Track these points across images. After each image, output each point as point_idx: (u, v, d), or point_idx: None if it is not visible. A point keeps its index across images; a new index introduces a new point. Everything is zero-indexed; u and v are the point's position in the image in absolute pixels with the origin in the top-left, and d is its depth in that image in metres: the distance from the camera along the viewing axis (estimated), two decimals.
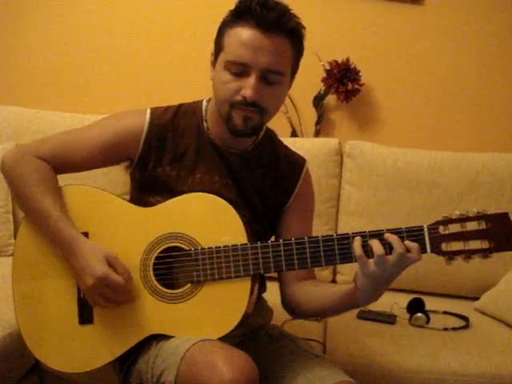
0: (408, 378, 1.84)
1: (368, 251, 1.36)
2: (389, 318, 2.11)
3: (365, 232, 1.39)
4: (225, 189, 1.56)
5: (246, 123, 1.48)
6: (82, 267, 1.44)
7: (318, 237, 1.42)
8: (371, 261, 1.35)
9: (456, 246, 1.37)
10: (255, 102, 1.45)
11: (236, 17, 1.45)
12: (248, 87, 1.44)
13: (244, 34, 1.43)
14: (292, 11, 1.46)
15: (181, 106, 1.63)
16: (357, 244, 1.37)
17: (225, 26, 1.48)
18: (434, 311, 2.19)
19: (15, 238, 1.61)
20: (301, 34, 1.49)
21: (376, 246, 1.35)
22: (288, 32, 1.45)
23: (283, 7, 1.45)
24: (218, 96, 1.50)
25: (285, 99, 1.58)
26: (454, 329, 2.07)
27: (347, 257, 1.41)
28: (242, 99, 1.45)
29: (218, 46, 1.50)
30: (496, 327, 2.14)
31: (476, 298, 2.32)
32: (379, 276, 1.36)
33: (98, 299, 1.45)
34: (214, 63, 1.53)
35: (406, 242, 1.35)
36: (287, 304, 1.63)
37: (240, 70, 1.44)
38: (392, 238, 1.36)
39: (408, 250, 1.35)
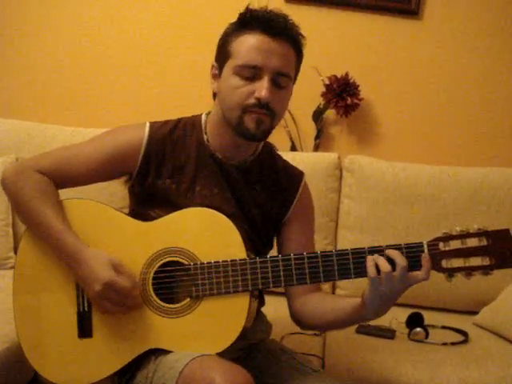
0: None
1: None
2: (388, 333, 2.11)
3: (363, 248, 1.40)
4: (224, 202, 1.56)
5: (258, 126, 1.49)
6: (88, 275, 1.45)
7: (317, 252, 1.43)
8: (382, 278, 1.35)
9: (456, 262, 1.36)
10: (269, 104, 1.47)
11: (241, 26, 1.49)
12: (262, 88, 1.46)
13: (253, 38, 1.46)
14: (290, 18, 1.51)
15: (180, 119, 1.64)
16: (370, 264, 1.36)
17: (228, 36, 1.51)
18: (433, 326, 2.19)
19: (15, 252, 1.61)
20: (302, 42, 1.53)
21: (381, 263, 1.35)
22: (292, 39, 1.49)
23: (286, 16, 1.49)
24: (229, 102, 1.50)
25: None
26: (453, 343, 2.07)
27: (346, 273, 1.41)
28: (256, 101, 1.47)
29: (223, 56, 1.51)
30: (495, 342, 2.13)
31: (475, 313, 2.32)
32: (387, 293, 1.36)
33: (106, 305, 1.45)
34: (217, 74, 1.55)
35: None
36: (295, 317, 1.64)
37: (252, 73, 1.46)
38: (393, 253, 1.36)
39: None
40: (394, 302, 1.40)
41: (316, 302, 1.58)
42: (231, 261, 1.44)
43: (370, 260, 1.37)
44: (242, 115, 1.48)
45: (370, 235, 2.41)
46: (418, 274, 1.35)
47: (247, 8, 1.50)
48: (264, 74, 1.46)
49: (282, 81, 1.49)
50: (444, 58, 2.71)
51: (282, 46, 1.47)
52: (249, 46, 1.46)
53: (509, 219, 2.32)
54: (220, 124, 1.57)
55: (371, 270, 1.35)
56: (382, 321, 2.14)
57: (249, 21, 1.48)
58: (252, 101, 1.47)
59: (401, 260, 1.34)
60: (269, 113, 1.49)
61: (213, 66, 1.56)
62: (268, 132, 1.53)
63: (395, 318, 2.19)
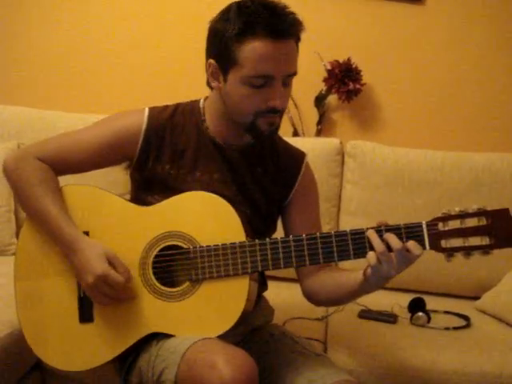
0: (409, 377, 1.83)
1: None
2: (390, 318, 2.11)
3: (362, 229, 1.40)
4: (224, 186, 1.56)
5: (270, 127, 1.50)
6: (83, 265, 1.45)
7: (315, 234, 1.42)
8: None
9: (455, 242, 1.36)
10: (282, 109, 1.48)
11: (244, 29, 1.41)
12: (277, 98, 1.45)
13: (261, 47, 1.41)
14: (291, 9, 1.46)
15: (178, 105, 1.63)
16: (377, 241, 1.37)
17: (230, 40, 1.43)
18: (435, 311, 2.19)
19: (17, 238, 1.62)
20: (300, 31, 1.49)
21: (377, 242, 1.36)
22: (296, 34, 1.47)
23: (288, 11, 1.45)
24: (240, 109, 1.49)
25: None
26: (455, 328, 2.07)
27: (345, 254, 1.41)
28: (270, 108, 1.46)
29: (227, 60, 1.45)
30: (497, 326, 2.13)
31: (477, 298, 2.32)
32: (386, 270, 1.36)
33: (99, 297, 1.46)
34: (217, 75, 1.50)
35: (405, 244, 1.36)
36: (306, 294, 1.66)
37: (263, 82, 1.43)
38: (390, 237, 1.36)
39: (408, 250, 1.35)
40: (393, 277, 1.41)
41: (323, 280, 1.60)
42: (231, 244, 1.44)
43: (373, 233, 1.38)
44: (254, 120, 1.48)
45: (372, 220, 2.35)
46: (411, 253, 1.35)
47: (247, 7, 1.43)
48: (275, 80, 1.44)
49: (290, 80, 1.49)
50: (447, 44, 2.69)
51: (288, 45, 1.44)
52: (257, 55, 1.41)
53: (510, 204, 2.31)
54: (220, 114, 1.56)
55: (379, 246, 1.36)
56: (384, 306, 2.17)
57: (252, 23, 1.41)
58: (264, 107, 1.46)
59: (395, 243, 1.35)
60: (280, 114, 1.50)
61: (210, 65, 1.50)
62: (278, 128, 1.54)
63: (397, 302, 2.20)
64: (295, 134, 2.71)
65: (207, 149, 1.58)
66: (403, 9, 2.68)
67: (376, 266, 1.36)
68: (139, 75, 2.81)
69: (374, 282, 1.41)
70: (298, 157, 1.70)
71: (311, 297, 1.64)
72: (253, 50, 1.41)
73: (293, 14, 1.45)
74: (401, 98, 2.73)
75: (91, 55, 2.81)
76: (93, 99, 2.81)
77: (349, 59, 2.63)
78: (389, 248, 1.35)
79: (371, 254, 1.36)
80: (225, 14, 1.46)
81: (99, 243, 1.49)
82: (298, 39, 1.48)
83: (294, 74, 1.48)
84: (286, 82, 1.47)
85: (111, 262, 1.45)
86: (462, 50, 2.69)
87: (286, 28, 1.42)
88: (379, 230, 1.39)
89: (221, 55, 1.47)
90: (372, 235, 1.38)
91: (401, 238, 1.36)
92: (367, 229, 1.40)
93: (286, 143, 1.71)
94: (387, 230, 1.38)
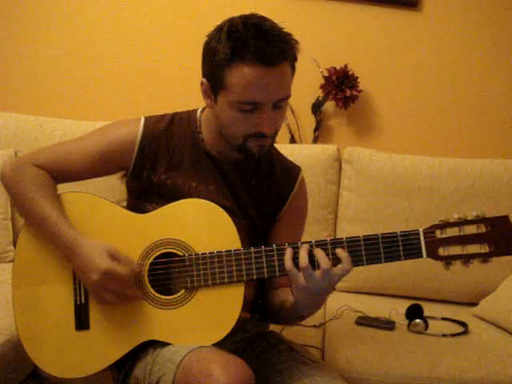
0: None
1: (313, 261, 1.37)
2: (387, 324, 2.11)
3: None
4: (221, 198, 1.56)
5: (261, 149, 1.48)
6: (86, 265, 1.45)
7: (311, 242, 1.41)
8: (300, 274, 1.36)
9: (454, 250, 1.34)
10: (274, 132, 1.47)
11: (232, 54, 1.37)
12: (265, 125, 1.42)
13: (249, 73, 1.37)
14: (285, 31, 1.42)
15: (175, 114, 1.63)
16: (287, 257, 1.38)
17: (220, 63, 1.39)
18: (433, 317, 2.19)
19: (14, 245, 1.62)
20: (297, 51, 1.45)
21: (301, 257, 1.36)
22: (289, 57, 1.42)
23: (279, 34, 1.40)
24: (229, 131, 1.47)
25: None
26: (452, 335, 2.07)
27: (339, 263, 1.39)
28: (259, 133, 1.44)
29: (216, 82, 1.43)
30: (495, 333, 2.13)
31: (474, 304, 2.32)
32: (310, 288, 1.37)
33: (106, 295, 1.45)
34: (208, 94, 1.48)
35: (338, 250, 1.36)
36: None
37: (251, 107, 1.41)
38: (318, 253, 1.36)
39: (340, 260, 1.36)
40: (324, 297, 1.44)
41: (272, 299, 1.60)
42: (226, 251, 1.44)
43: (288, 253, 1.38)
44: (244, 141, 1.47)
45: (369, 227, 2.41)
46: (339, 267, 1.36)
47: (237, 30, 1.38)
48: (265, 106, 1.41)
49: (282, 103, 1.45)
50: (443, 50, 2.70)
51: (279, 70, 1.39)
52: (245, 81, 1.37)
53: (508, 210, 2.31)
54: (215, 129, 1.55)
55: (287, 264, 1.37)
56: (382, 312, 2.17)
57: (241, 48, 1.36)
58: (254, 131, 1.44)
59: (323, 262, 1.35)
60: (272, 136, 1.48)
61: (202, 84, 1.48)
62: (271, 149, 1.54)
63: (395, 309, 2.20)
64: (292, 140, 2.71)
65: (202, 160, 1.58)
66: (399, 15, 2.69)
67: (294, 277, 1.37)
68: (137, 82, 2.81)
69: (300, 300, 1.41)
70: (293, 171, 1.68)
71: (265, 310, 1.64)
72: (241, 75, 1.38)
73: (287, 35, 1.41)
74: (398, 105, 2.74)
75: (88, 62, 2.82)
76: (90, 106, 2.81)
77: (346, 66, 2.63)
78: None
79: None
80: (217, 34, 1.42)
81: (99, 241, 1.48)
82: (293, 59, 1.44)
83: (286, 98, 1.44)
84: (278, 105, 1.44)
85: (114, 257, 1.45)
86: (458, 57, 2.69)
87: (275, 54, 1.37)
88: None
89: (212, 76, 1.44)
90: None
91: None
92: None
93: (282, 156, 1.70)
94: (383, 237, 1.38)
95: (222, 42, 1.39)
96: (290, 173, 1.68)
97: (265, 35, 1.37)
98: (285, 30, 1.42)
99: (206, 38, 1.46)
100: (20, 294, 1.56)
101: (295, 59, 1.45)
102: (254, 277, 1.44)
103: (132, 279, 1.46)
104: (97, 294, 1.47)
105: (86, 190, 1.60)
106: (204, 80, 1.48)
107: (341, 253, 1.36)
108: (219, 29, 1.43)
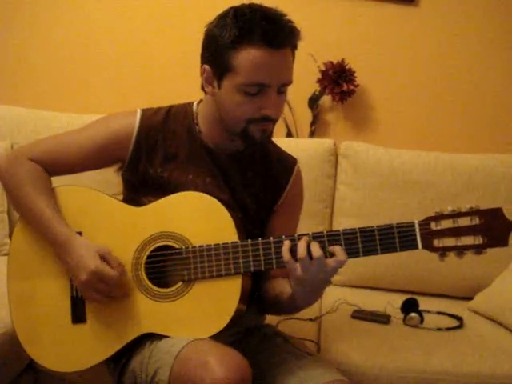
0: (401, 377, 1.83)
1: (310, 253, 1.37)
2: (383, 318, 2.11)
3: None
4: (218, 190, 1.56)
5: (263, 134, 1.49)
6: (76, 263, 1.46)
7: (308, 234, 1.42)
8: (298, 265, 1.37)
9: (448, 241, 1.35)
10: (276, 118, 1.48)
11: (240, 37, 1.40)
12: (271, 107, 1.44)
13: (256, 55, 1.39)
14: (289, 18, 1.45)
15: (171, 107, 1.63)
16: (285, 249, 1.39)
17: (225, 46, 1.42)
18: (428, 311, 2.19)
19: (10, 238, 1.61)
20: (298, 39, 1.48)
21: (300, 247, 1.37)
22: (293, 43, 1.46)
23: (286, 20, 1.44)
24: (233, 116, 1.48)
25: None
26: (447, 329, 2.07)
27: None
28: (264, 117, 1.45)
29: (221, 67, 1.44)
30: (489, 327, 2.14)
31: (470, 298, 2.33)
32: (307, 280, 1.37)
33: (93, 294, 1.46)
34: (211, 80, 1.49)
35: (331, 247, 1.38)
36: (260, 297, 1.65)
37: (257, 90, 1.42)
38: (312, 244, 1.37)
39: (333, 254, 1.37)
40: (321, 290, 1.44)
41: (268, 289, 1.61)
42: (223, 244, 1.44)
43: (286, 244, 1.39)
44: (246, 126, 1.47)
45: (365, 221, 2.38)
46: (334, 258, 1.37)
47: (244, 13, 1.42)
48: (270, 89, 1.43)
49: (285, 88, 1.47)
50: (440, 45, 2.70)
51: (284, 55, 1.43)
52: (253, 63, 1.40)
53: (504, 205, 2.31)
54: (213, 119, 1.55)
55: (285, 255, 1.38)
56: (377, 306, 2.17)
57: (248, 31, 1.39)
58: (258, 115, 1.45)
59: (315, 251, 1.36)
60: (273, 121, 1.49)
61: (204, 70, 1.49)
62: (271, 135, 1.54)
63: (390, 303, 2.20)
64: (289, 134, 2.71)
65: (199, 153, 1.58)
66: (397, 10, 2.69)
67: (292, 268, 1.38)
68: (134, 76, 2.80)
69: (297, 292, 1.42)
70: (289, 162, 1.69)
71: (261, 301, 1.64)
72: (248, 57, 1.40)
73: (290, 22, 1.44)
74: (394, 99, 2.74)
75: (85, 55, 2.81)
76: (87, 99, 2.80)
77: (343, 60, 2.63)
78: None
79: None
80: (221, 20, 1.44)
81: (91, 242, 1.49)
82: (294, 48, 1.47)
83: (289, 83, 1.47)
84: (281, 90, 1.46)
85: (104, 259, 1.46)
86: (455, 52, 2.70)
87: (282, 37, 1.41)
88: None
89: (215, 61, 1.46)
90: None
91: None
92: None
93: (278, 148, 1.71)
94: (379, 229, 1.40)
95: (228, 27, 1.41)
96: (286, 164, 1.68)
97: (272, 19, 1.42)
98: (289, 17, 1.45)
99: (205, 28, 1.48)
100: (16, 287, 1.56)
101: (296, 48, 1.48)
102: (252, 269, 1.44)
103: (120, 280, 1.46)
104: (84, 293, 1.48)
105: (81, 183, 1.60)
106: (206, 66, 1.48)
107: (333, 247, 1.38)
108: (222, 16, 1.45)
